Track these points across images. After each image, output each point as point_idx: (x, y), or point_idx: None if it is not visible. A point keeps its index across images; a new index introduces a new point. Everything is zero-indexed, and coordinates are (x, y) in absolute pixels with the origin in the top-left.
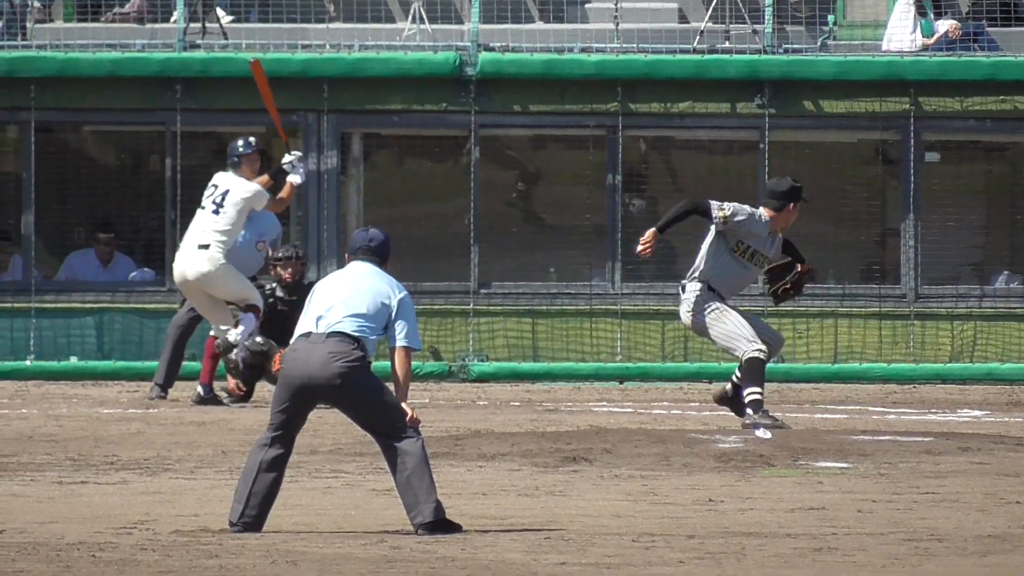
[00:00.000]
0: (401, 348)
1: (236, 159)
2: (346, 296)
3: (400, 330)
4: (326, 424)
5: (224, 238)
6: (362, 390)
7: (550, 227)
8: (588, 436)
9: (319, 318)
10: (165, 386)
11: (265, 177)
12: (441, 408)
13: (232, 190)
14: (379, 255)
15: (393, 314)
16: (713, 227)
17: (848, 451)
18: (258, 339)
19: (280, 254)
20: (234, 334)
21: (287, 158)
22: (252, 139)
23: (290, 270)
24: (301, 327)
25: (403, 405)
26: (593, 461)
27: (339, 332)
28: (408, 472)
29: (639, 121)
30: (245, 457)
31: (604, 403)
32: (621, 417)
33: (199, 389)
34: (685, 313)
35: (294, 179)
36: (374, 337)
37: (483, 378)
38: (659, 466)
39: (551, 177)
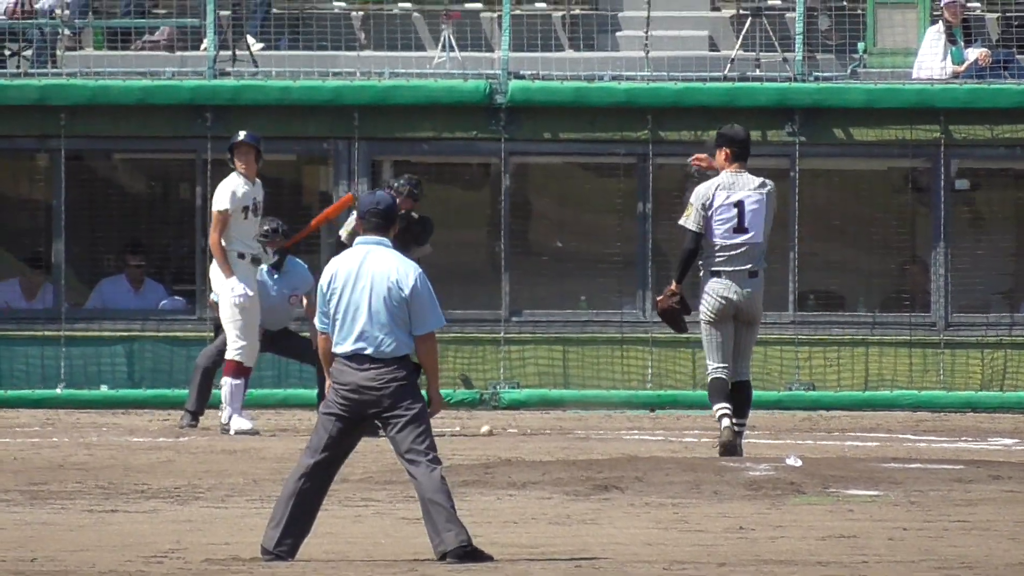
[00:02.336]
0: (420, 337)
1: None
2: (368, 303)
3: (416, 318)
4: (356, 452)
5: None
6: (404, 403)
7: (581, 255)
8: (619, 464)
9: (355, 342)
10: (196, 414)
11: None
12: (472, 436)
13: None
14: (386, 219)
15: (410, 304)
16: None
17: (878, 479)
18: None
19: (266, 227)
20: (224, 416)
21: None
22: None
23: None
24: (336, 342)
25: (435, 394)
26: (624, 489)
27: (379, 359)
28: (425, 500)
29: (669, 149)
30: (276, 486)
31: (635, 431)
32: (652, 445)
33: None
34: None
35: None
36: (410, 341)
37: (514, 406)
38: (690, 494)
39: (582, 205)
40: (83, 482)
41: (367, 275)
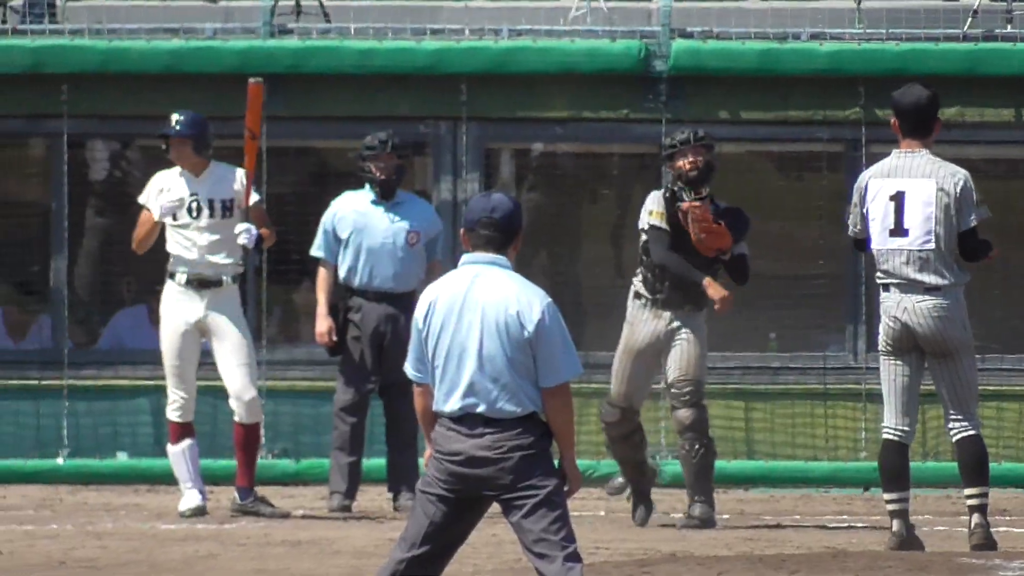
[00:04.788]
0: (550, 390)
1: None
2: (478, 345)
3: (544, 365)
4: (466, 545)
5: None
6: (532, 479)
7: (769, 278)
8: (822, 561)
9: (463, 398)
10: (348, 494)
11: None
12: (621, 523)
13: None
14: (504, 231)
15: (535, 345)
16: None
17: None
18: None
19: (369, 140)
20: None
21: (240, 228)
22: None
23: (382, 164)
24: (438, 398)
25: (572, 467)
26: None
27: (496, 420)
28: None
29: (890, 133)
30: None
31: (844, 516)
32: (866, 536)
33: (236, 494)
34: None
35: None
36: (536, 395)
37: (679, 481)
38: None
39: (770, 209)
40: None
41: (476, 307)
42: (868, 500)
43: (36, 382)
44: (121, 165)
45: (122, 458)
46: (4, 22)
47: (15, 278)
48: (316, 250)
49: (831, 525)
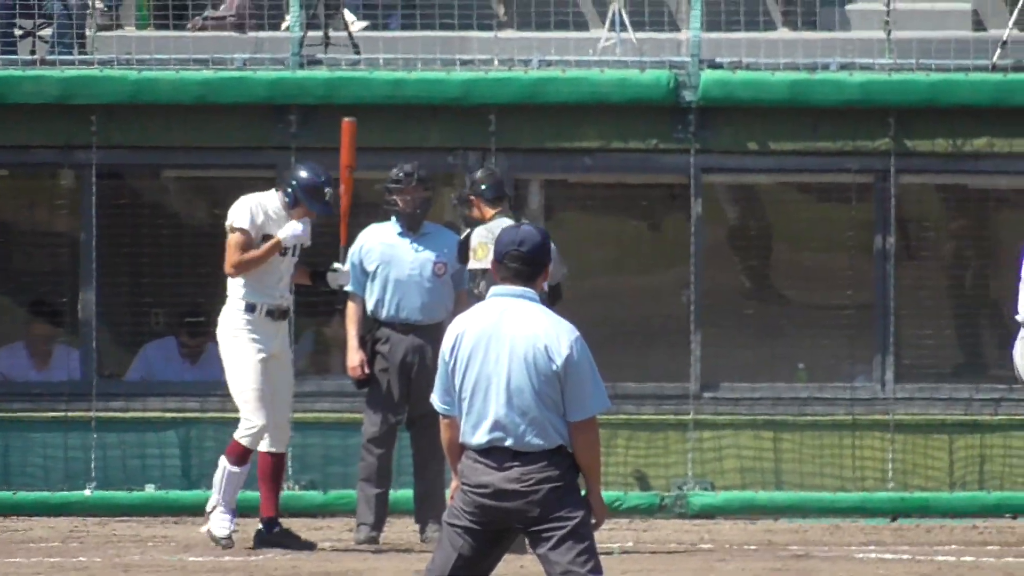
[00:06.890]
0: (578, 424)
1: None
2: (506, 378)
3: (572, 398)
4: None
5: (238, 290)
6: (560, 511)
7: (798, 307)
8: None
9: (490, 431)
10: (375, 526)
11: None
12: (649, 554)
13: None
14: (531, 264)
15: (563, 379)
16: None
17: None
18: None
19: (395, 173)
20: (213, 521)
21: (344, 269)
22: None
23: (408, 196)
24: (465, 430)
25: (598, 500)
26: None
27: (524, 452)
28: None
29: (919, 163)
30: None
31: (871, 547)
32: (895, 567)
33: (261, 526)
34: None
35: (334, 281)
36: (563, 429)
37: (707, 512)
38: None
39: (799, 239)
40: None
41: (504, 339)
42: (896, 530)
43: (64, 414)
44: (151, 196)
45: (150, 490)
46: (33, 53)
47: (44, 309)
48: None
49: (859, 555)
